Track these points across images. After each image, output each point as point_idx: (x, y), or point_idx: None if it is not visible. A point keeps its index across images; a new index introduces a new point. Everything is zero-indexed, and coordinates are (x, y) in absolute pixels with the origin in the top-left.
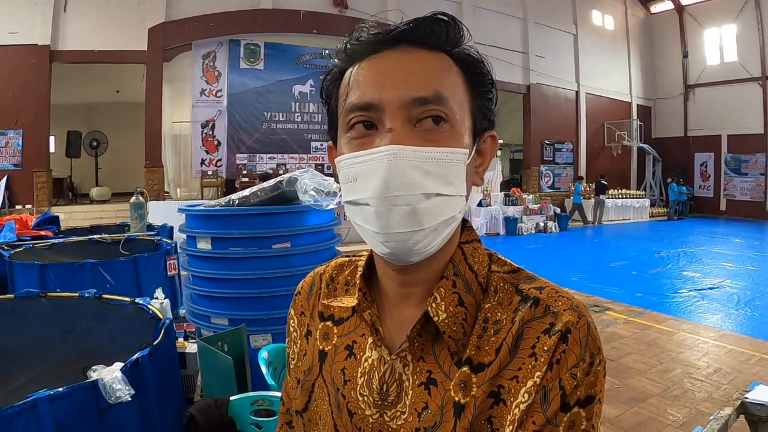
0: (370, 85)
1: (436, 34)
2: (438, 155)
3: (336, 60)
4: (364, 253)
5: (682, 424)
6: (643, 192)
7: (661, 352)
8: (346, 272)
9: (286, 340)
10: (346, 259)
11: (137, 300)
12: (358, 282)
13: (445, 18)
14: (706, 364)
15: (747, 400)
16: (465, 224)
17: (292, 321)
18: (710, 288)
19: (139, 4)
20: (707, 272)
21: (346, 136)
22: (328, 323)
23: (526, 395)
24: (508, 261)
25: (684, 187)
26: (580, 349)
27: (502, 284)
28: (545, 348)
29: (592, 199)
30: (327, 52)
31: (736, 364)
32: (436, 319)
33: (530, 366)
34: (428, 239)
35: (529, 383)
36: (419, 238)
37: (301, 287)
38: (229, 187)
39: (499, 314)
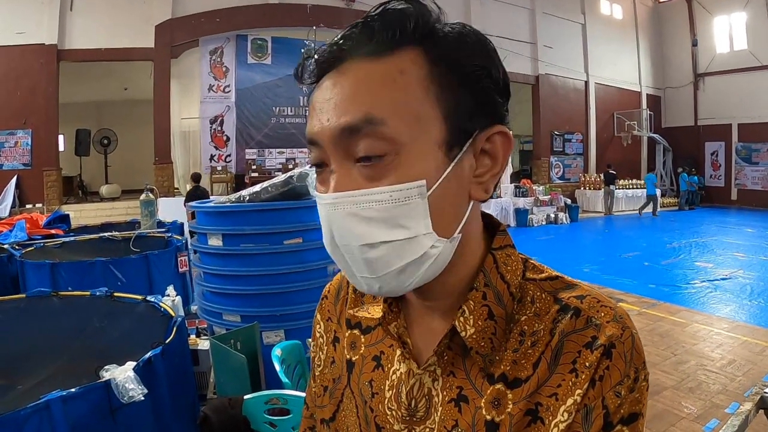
0: (312, 117)
1: (380, 36)
2: (378, 197)
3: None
4: None
5: (697, 417)
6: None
7: (674, 343)
8: None
9: (312, 344)
10: None
11: (149, 298)
12: None
13: (398, 6)
14: (720, 356)
15: (767, 394)
16: (498, 227)
17: (318, 326)
18: (723, 279)
19: (146, 2)
20: (719, 263)
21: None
22: (356, 332)
23: (565, 414)
24: (546, 267)
25: (695, 177)
26: (624, 365)
27: (539, 293)
28: (587, 364)
29: (602, 190)
30: (304, 50)
31: (750, 356)
32: (463, 334)
33: (570, 383)
34: (394, 283)
35: (569, 401)
36: (383, 283)
37: (328, 291)
38: (239, 182)
39: (536, 326)
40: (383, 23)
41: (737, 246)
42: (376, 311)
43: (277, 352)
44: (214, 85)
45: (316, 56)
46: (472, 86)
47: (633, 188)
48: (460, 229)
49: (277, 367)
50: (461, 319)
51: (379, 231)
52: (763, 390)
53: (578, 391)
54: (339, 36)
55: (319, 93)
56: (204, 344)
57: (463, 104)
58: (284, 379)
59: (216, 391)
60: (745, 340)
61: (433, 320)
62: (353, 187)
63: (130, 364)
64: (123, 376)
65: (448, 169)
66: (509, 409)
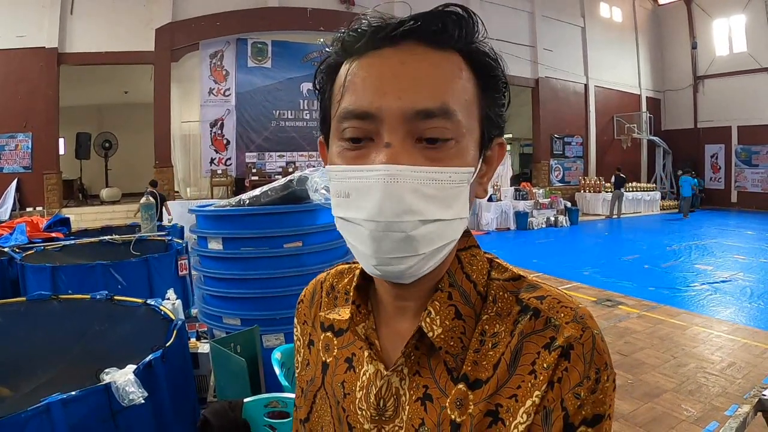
0: (369, 90)
1: (448, 32)
2: (440, 177)
3: (331, 49)
4: None
5: (697, 420)
6: (654, 185)
7: (674, 346)
8: (346, 280)
9: (294, 347)
10: (347, 266)
11: (149, 301)
12: (351, 294)
13: (459, 11)
14: (719, 359)
15: (765, 397)
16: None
17: (296, 330)
18: (723, 281)
19: (146, 5)
20: (719, 265)
21: (339, 143)
22: (329, 334)
23: (524, 416)
24: (510, 267)
25: (695, 180)
26: (584, 366)
27: (501, 293)
28: (545, 365)
29: (611, 193)
30: (321, 40)
31: (750, 358)
32: (430, 334)
33: (530, 384)
34: (422, 263)
35: (528, 403)
36: (412, 263)
37: (303, 296)
38: (239, 185)
39: (497, 326)
40: (453, 21)
41: (737, 248)
42: (346, 313)
43: (276, 355)
44: (214, 89)
45: (365, 27)
46: (496, 101)
47: (633, 191)
48: (464, 227)
49: (277, 370)
50: (427, 319)
51: (435, 208)
52: (761, 393)
53: (537, 393)
54: (401, 19)
55: (378, 65)
56: (204, 347)
57: (489, 115)
58: (284, 383)
59: (216, 395)
60: (745, 343)
61: (403, 321)
62: (413, 163)
63: (131, 368)
64: (123, 379)
65: (479, 165)
66: (470, 410)
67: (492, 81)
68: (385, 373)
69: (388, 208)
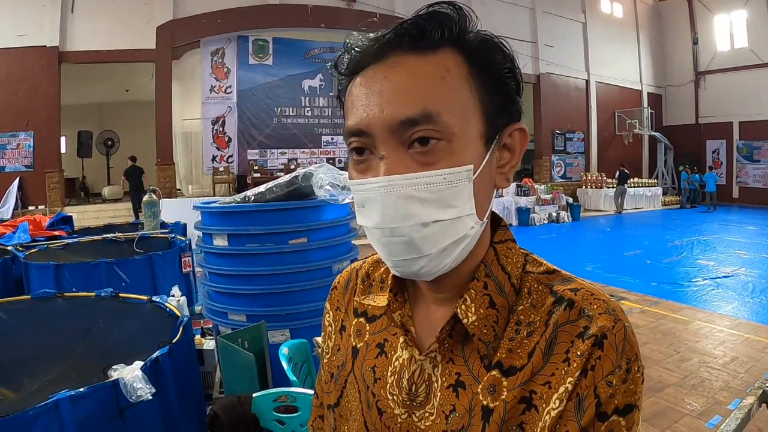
0: (359, 108)
1: (427, 36)
2: (434, 179)
3: (338, 71)
4: None
5: (700, 414)
6: (655, 180)
7: (677, 341)
8: (382, 269)
9: (322, 334)
10: None
11: (154, 298)
12: (389, 282)
13: (444, 9)
14: (722, 353)
15: None
16: (499, 222)
17: (327, 315)
18: (725, 276)
19: (147, 3)
20: (721, 260)
21: (351, 157)
22: (362, 320)
23: (557, 401)
24: (544, 262)
25: (696, 175)
26: (616, 356)
27: (536, 285)
28: (578, 353)
29: (614, 189)
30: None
31: (753, 353)
32: (465, 321)
33: (563, 371)
34: (435, 262)
35: (561, 389)
36: (423, 263)
37: (338, 282)
38: (241, 183)
39: (532, 316)
40: (434, 23)
41: (739, 244)
42: (382, 300)
43: (284, 350)
44: (215, 86)
45: (356, 48)
46: (501, 87)
47: (635, 186)
48: (488, 214)
49: (285, 365)
50: (462, 306)
51: (432, 211)
52: (765, 384)
53: (570, 380)
54: (385, 31)
55: (366, 83)
56: (209, 344)
57: (496, 102)
58: (292, 377)
59: (222, 390)
60: (748, 338)
61: (438, 311)
62: (406, 171)
63: (138, 364)
64: (131, 375)
65: (486, 158)
66: (504, 396)
67: (491, 68)
68: (419, 358)
69: (388, 216)
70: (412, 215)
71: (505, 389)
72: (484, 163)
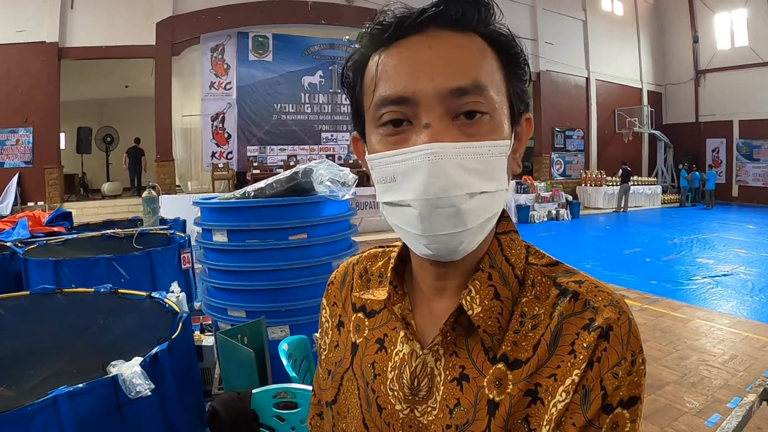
0: (403, 76)
1: (468, 16)
2: (481, 150)
3: (358, 45)
4: (398, 243)
5: (699, 411)
6: (655, 179)
7: (676, 339)
8: (380, 263)
9: (319, 330)
10: (380, 249)
11: (153, 294)
12: (389, 275)
13: None
14: (721, 351)
15: None
16: (502, 214)
17: (324, 311)
18: (724, 275)
19: None
20: (721, 259)
21: (378, 132)
22: (360, 315)
23: (564, 394)
24: (546, 254)
25: (697, 173)
26: (621, 347)
27: (539, 277)
28: (584, 344)
29: (617, 187)
30: (347, 38)
31: (752, 351)
32: (470, 312)
33: (569, 364)
34: (471, 238)
35: (567, 382)
36: (463, 238)
37: (334, 277)
38: (240, 179)
39: (536, 309)
40: (470, 5)
41: (738, 242)
42: (381, 294)
43: (284, 346)
44: (215, 83)
45: (397, 14)
46: (519, 77)
47: (634, 184)
48: (506, 200)
49: (285, 361)
50: (467, 297)
51: (479, 181)
52: (766, 382)
53: (576, 371)
54: (422, 6)
55: (408, 52)
56: (208, 340)
57: (515, 91)
58: (291, 374)
59: (222, 386)
60: (747, 336)
61: (440, 302)
62: (453, 140)
63: (137, 360)
64: (130, 371)
65: (512, 139)
66: (509, 389)
67: (514, 58)
68: (421, 352)
69: (435, 185)
70: (462, 185)
71: (510, 382)
72: (511, 142)
